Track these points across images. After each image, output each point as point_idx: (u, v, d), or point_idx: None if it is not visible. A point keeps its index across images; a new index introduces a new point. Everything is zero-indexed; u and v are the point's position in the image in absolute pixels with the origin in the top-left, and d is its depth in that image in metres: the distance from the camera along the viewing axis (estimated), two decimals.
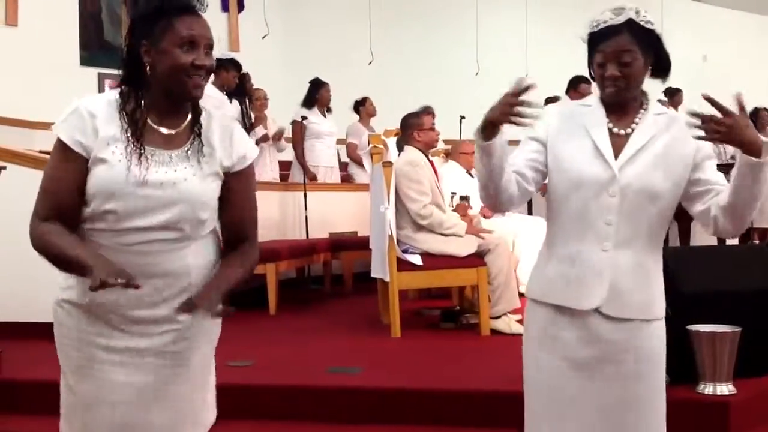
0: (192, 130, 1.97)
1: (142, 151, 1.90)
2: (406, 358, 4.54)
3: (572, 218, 2.16)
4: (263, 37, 10.35)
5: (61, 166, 1.92)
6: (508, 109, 2.01)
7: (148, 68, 1.91)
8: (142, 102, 1.94)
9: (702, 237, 6.68)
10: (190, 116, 1.98)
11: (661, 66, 2.19)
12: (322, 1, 10.94)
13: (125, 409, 1.96)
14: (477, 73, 11.14)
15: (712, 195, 2.13)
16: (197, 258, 1.98)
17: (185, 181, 1.91)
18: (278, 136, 7.83)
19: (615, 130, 2.16)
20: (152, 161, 1.90)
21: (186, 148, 1.95)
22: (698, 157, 2.16)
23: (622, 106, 2.18)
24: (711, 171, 2.17)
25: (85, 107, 1.93)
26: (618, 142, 2.15)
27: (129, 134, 1.91)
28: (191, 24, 1.90)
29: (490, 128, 2.05)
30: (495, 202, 2.19)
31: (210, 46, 1.93)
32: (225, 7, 10.13)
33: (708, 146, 2.17)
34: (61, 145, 1.92)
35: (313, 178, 7.97)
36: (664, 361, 2.23)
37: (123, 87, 1.96)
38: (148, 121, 1.94)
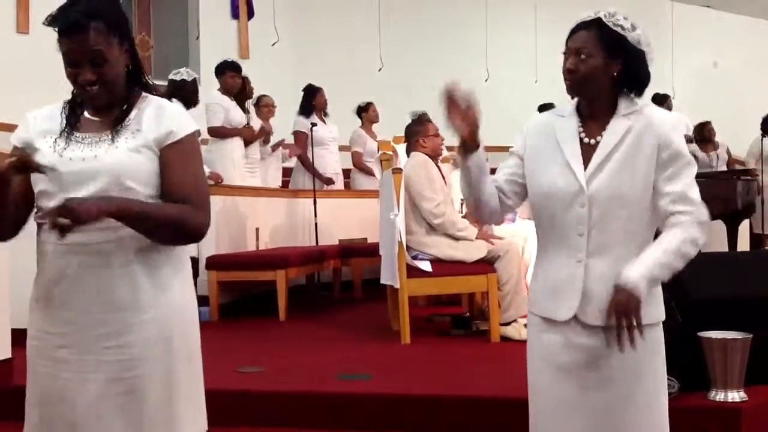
0: (124, 115, 2.03)
1: (72, 136, 2.01)
2: (416, 364, 4.54)
3: (548, 231, 2.20)
4: (273, 44, 10.37)
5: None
6: (458, 120, 2.09)
7: None
8: (83, 100, 2.06)
9: (713, 244, 6.66)
10: (125, 107, 2.04)
11: (636, 79, 2.17)
12: (331, 8, 10.96)
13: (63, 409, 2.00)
14: (487, 80, 11.15)
15: (665, 217, 2.10)
16: (136, 238, 1.96)
17: (106, 153, 1.97)
18: (276, 147, 7.84)
19: (586, 140, 2.17)
20: (80, 143, 1.99)
21: (114, 129, 2.01)
22: (663, 156, 2.10)
23: (594, 113, 2.18)
24: (673, 179, 2.10)
25: (32, 113, 2.09)
26: (588, 152, 2.15)
27: (64, 124, 2.03)
28: (69, 42, 1.94)
29: (464, 147, 2.13)
30: (477, 215, 2.31)
31: (94, 57, 1.94)
32: (235, 15, 10.15)
33: (674, 143, 2.11)
34: (12, 148, 2.06)
35: (329, 182, 7.97)
36: (658, 368, 2.21)
37: (74, 91, 2.07)
38: (85, 114, 2.05)
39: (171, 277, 2.03)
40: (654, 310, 2.17)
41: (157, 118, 2.03)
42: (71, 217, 1.79)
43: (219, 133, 6.97)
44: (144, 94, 2.08)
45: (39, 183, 1.99)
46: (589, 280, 2.13)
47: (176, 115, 2.06)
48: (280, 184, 8.18)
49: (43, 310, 2.02)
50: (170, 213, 1.97)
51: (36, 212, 2.03)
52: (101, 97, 1.99)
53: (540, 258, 2.26)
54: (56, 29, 1.95)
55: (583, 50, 2.11)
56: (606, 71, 2.13)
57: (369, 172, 8.37)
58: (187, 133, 2.04)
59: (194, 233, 2.02)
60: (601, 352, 2.14)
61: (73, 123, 2.03)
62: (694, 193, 2.11)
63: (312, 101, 8.05)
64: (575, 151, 2.15)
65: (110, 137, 1.99)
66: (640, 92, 2.20)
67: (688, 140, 9.26)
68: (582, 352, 2.16)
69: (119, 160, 1.96)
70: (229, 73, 7.11)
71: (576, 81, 2.14)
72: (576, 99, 2.22)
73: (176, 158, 2.00)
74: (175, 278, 2.04)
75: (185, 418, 2.05)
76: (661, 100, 9.48)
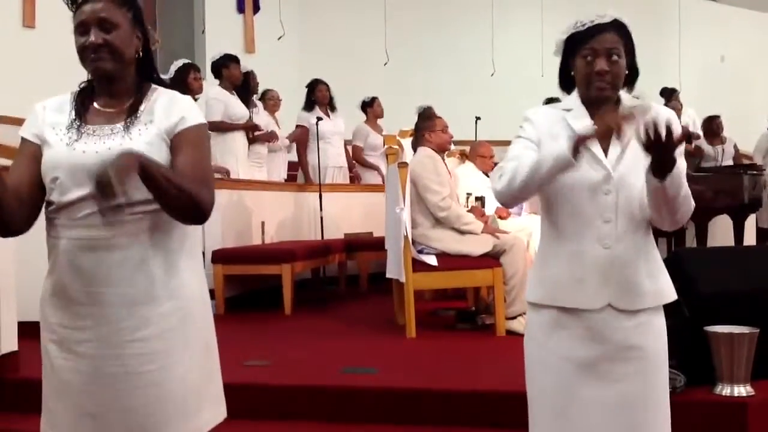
0: (134, 107, 2.05)
1: (83, 129, 2.01)
2: (422, 358, 4.54)
3: (569, 219, 2.19)
4: (279, 38, 10.37)
5: (18, 156, 2.06)
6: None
7: None
8: (93, 91, 2.09)
9: (719, 238, 6.64)
10: (134, 96, 2.07)
11: (635, 74, 2.25)
12: (337, 2, 10.95)
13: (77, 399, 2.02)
14: (493, 74, 11.13)
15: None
16: (151, 231, 1.98)
17: (120, 146, 1.96)
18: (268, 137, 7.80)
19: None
20: (92, 135, 2.00)
21: (125, 122, 2.02)
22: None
23: (601, 106, 2.21)
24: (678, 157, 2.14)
25: (41, 104, 2.11)
26: (602, 143, 2.18)
27: (73, 116, 2.04)
28: (84, 8, 2.01)
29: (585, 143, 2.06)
30: (519, 200, 2.26)
31: (102, 22, 2.00)
32: (240, 9, 10.16)
33: (677, 126, 2.16)
34: (21, 140, 2.07)
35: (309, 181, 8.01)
36: (667, 362, 2.24)
37: (84, 82, 2.11)
38: (95, 105, 2.07)
39: (186, 271, 2.05)
40: (671, 285, 2.22)
41: (168, 108, 2.05)
42: (109, 193, 1.77)
43: (218, 127, 6.95)
44: (153, 86, 2.11)
45: (50, 176, 1.99)
46: (621, 265, 2.15)
47: (187, 107, 2.09)
48: (286, 178, 8.19)
49: (61, 304, 2.02)
50: (185, 181, 1.96)
51: (48, 206, 2.02)
52: (106, 62, 2.00)
53: (553, 248, 2.23)
54: (73, 6, 2.03)
55: (614, 51, 2.16)
56: (625, 69, 2.21)
57: (370, 166, 8.41)
58: (196, 122, 2.07)
59: (203, 209, 2.00)
60: (625, 345, 2.15)
61: (82, 114, 2.04)
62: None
63: (311, 96, 8.07)
64: (598, 145, 2.17)
65: (123, 129, 2.00)
66: (632, 86, 2.26)
67: (696, 136, 9.27)
68: (606, 345, 2.16)
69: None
70: (233, 65, 7.11)
71: (610, 82, 2.17)
72: (576, 93, 2.24)
73: (185, 143, 2.03)
74: (190, 272, 2.06)
75: (202, 408, 2.08)
76: (670, 93, 9.49)
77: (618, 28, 2.18)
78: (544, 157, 2.09)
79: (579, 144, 2.05)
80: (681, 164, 2.12)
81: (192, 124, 2.05)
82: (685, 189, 2.09)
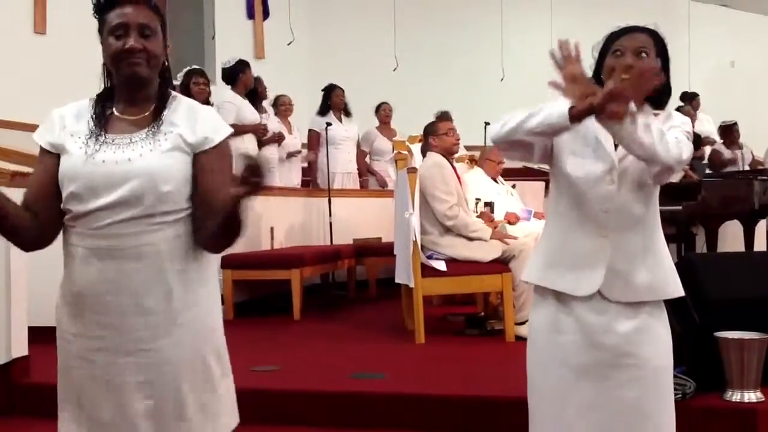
0: (156, 115, 2.04)
1: (103, 137, 2.00)
2: (430, 364, 4.54)
3: (570, 206, 2.21)
4: (288, 44, 10.40)
5: (37, 166, 2.05)
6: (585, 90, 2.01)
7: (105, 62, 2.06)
8: (113, 98, 2.07)
9: (729, 243, 6.62)
10: (155, 103, 2.06)
11: (666, 91, 2.23)
12: (347, 7, 10.97)
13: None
14: (502, 79, 11.13)
15: None
16: (169, 242, 1.97)
17: (141, 156, 1.97)
18: (292, 155, 7.83)
19: None
20: (111, 144, 1.99)
21: (147, 130, 2.01)
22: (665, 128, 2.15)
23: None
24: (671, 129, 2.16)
25: (57, 111, 2.08)
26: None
27: (93, 124, 2.02)
28: (124, 11, 2.00)
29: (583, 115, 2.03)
30: (505, 143, 2.20)
31: (143, 28, 1.99)
32: (250, 14, 10.18)
33: (682, 123, 2.19)
34: (39, 149, 2.05)
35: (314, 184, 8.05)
36: (670, 369, 2.23)
37: (103, 88, 2.09)
38: (114, 112, 2.05)
39: (203, 281, 2.04)
40: (677, 283, 2.21)
41: (191, 120, 2.03)
42: (258, 185, 1.81)
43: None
44: (174, 93, 2.10)
45: (68, 186, 1.98)
46: (615, 255, 2.15)
47: (210, 120, 2.07)
48: (300, 183, 8.22)
49: (76, 313, 2.02)
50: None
51: (65, 214, 2.01)
52: (142, 68, 1.99)
53: (555, 232, 2.26)
54: (101, 9, 2.01)
55: (642, 50, 2.16)
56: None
57: (370, 171, 8.46)
58: (222, 138, 2.05)
59: (240, 234, 2.02)
60: (623, 351, 2.14)
61: (102, 123, 2.02)
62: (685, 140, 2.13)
63: (327, 101, 8.11)
64: (607, 135, 2.17)
65: (145, 137, 1.99)
66: (660, 105, 2.24)
67: (711, 142, 9.35)
68: (601, 351, 2.15)
69: (154, 164, 1.96)
70: (248, 70, 7.16)
71: None
72: None
73: (213, 163, 2.02)
74: (206, 282, 2.06)
75: (216, 416, 2.07)
76: (691, 97, 9.55)
77: (652, 35, 2.20)
78: (541, 108, 2.11)
79: (583, 112, 2.01)
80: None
81: (216, 143, 2.03)
82: (649, 129, 2.01)
